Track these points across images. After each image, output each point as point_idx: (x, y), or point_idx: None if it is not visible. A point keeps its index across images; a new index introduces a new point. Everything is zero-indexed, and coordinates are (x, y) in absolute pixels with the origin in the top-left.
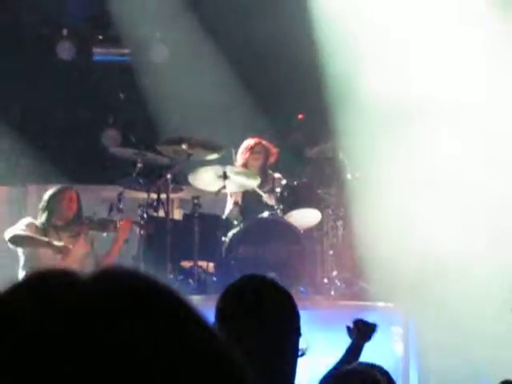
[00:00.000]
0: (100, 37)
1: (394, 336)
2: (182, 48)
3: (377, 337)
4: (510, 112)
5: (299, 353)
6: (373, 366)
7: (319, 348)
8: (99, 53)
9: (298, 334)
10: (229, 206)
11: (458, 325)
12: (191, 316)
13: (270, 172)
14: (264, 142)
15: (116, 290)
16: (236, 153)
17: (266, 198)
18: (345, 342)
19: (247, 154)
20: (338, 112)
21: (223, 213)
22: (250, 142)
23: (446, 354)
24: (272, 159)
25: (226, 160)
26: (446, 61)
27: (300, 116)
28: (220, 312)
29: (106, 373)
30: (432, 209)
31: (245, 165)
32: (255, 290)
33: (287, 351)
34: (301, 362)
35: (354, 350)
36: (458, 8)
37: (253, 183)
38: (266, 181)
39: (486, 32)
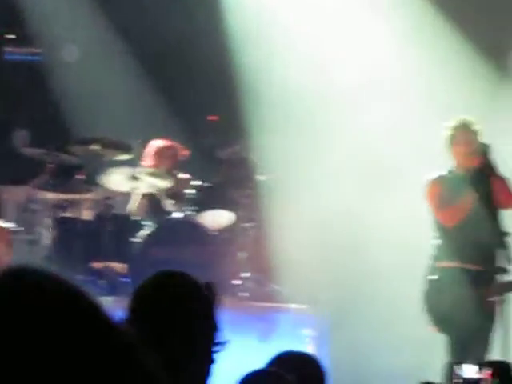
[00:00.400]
0: (12, 36)
1: (306, 338)
2: (93, 47)
3: (289, 339)
4: (420, 96)
5: (219, 347)
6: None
7: (229, 349)
8: (10, 52)
9: (214, 330)
10: (140, 206)
11: (372, 327)
12: (96, 314)
13: (179, 173)
14: (173, 144)
15: (19, 287)
16: (144, 153)
17: (169, 202)
18: (255, 343)
19: (156, 155)
20: (250, 113)
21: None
22: (159, 142)
23: (359, 358)
24: (181, 160)
25: (137, 161)
26: (358, 53)
27: (212, 117)
28: (131, 312)
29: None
30: (348, 209)
31: (154, 165)
32: (164, 288)
33: (200, 348)
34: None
35: None
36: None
37: (163, 184)
38: (174, 182)
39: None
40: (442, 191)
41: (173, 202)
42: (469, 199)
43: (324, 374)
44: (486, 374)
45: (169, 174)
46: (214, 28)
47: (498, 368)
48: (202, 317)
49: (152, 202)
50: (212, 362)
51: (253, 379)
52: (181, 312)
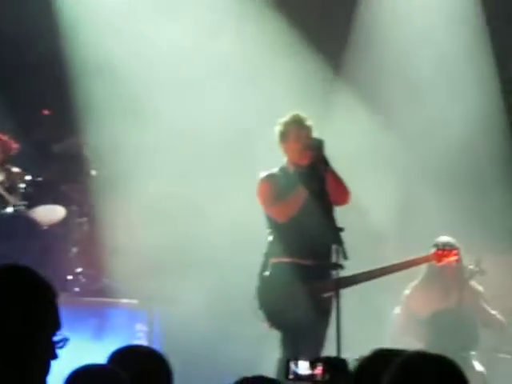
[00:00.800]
0: None
1: (138, 333)
2: None
3: (120, 334)
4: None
5: (60, 344)
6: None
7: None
8: None
9: (52, 328)
10: None
11: (207, 323)
12: None
13: (10, 167)
14: (1, 137)
15: None
16: None
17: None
18: (89, 339)
19: None
20: (83, 109)
21: None
22: None
23: (191, 353)
24: (12, 154)
25: None
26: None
27: (45, 112)
28: None
29: None
30: (182, 205)
31: None
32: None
33: (41, 345)
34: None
35: None
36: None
37: None
38: (6, 177)
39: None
40: (273, 188)
41: (6, 196)
42: (300, 195)
43: (168, 368)
44: (318, 369)
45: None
46: (46, 23)
47: (331, 364)
48: (41, 312)
49: None
50: (53, 358)
51: (83, 375)
52: (15, 309)
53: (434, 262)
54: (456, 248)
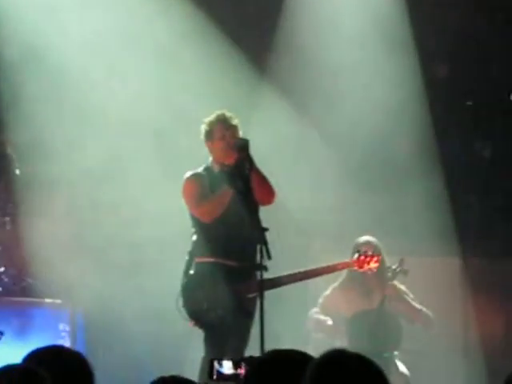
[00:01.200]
0: None
1: (62, 333)
2: None
3: (43, 334)
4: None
5: None
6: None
7: None
8: None
9: None
10: None
11: (128, 322)
12: None
13: None
14: None
15: None
16: None
17: None
18: (11, 339)
19: None
20: (7, 106)
21: None
22: None
23: (113, 351)
24: None
25: None
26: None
27: None
28: None
29: None
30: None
31: None
32: None
33: None
34: None
35: None
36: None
37: None
38: None
39: None
40: (198, 188)
41: None
42: (225, 195)
43: (88, 368)
44: (242, 369)
45: None
46: None
47: (253, 363)
48: None
49: None
50: None
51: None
52: None
53: (355, 268)
54: (378, 254)
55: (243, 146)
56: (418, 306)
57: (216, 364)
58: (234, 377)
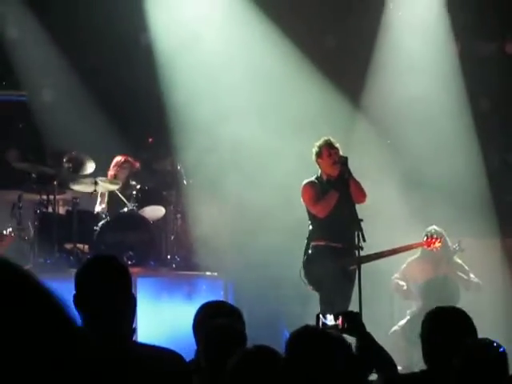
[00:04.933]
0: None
1: (219, 297)
2: (63, 89)
3: (205, 298)
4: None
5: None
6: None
7: (166, 304)
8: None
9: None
10: (99, 204)
11: (265, 286)
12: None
13: (131, 180)
14: (130, 159)
15: None
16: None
17: (125, 200)
18: (182, 300)
19: (117, 167)
20: (176, 134)
21: (94, 209)
22: (120, 158)
23: (257, 308)
24: (135, 171)
25: (98, 171)
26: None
27: (150, 139)
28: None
29: None
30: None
31: (115, 176)
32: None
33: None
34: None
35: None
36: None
37: (115, 187)
38: (129, 187)
39: None
40: (314, 191)
41: (125, 200)
42: (333, 197)
43: (242, 318)
44: (340, 320)
45: (126, 181)
46: (151, 71)
47: (348, 316)
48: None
49: (111, 201)
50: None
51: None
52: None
53: (425, 247)
54: (440, 236)
55: (344, 162)
56: (471, 277)
57: (321, 317)
58: (335, 326)
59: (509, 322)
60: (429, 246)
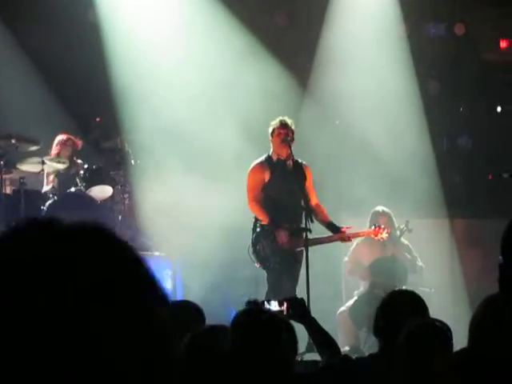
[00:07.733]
0: None
1: (166, 276)
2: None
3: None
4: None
5: None
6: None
7: None
8: None
9: None
10: (46, 184)
11: (214, 267)
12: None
13: (75, 159)
14: (72, 137)
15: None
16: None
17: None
18: None
19: (59, 145)
20: (125, 114)
21: (42, 189)
22: (62, 136)
23: (203, 289)
24: (78, 149)
25: (46, 149)
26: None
27: (97, 119)
28: None
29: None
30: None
31: (58, 154)
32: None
33: None
34: None
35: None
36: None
37: (62, 167)
38: (73, 165)
39: None
40: (255, 182)
41: (72, 180)
42: (265, 221)
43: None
44: (285, 306)
45: (69, 159)
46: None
47: (293, 302)
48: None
49: (58, 180)
50: None
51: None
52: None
53: (372, 236)
54: (388, 227)
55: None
56: (415, 259)
57: (266, 303)
58: (279, 312)
59: (456, 301)
60: (376, 235)
